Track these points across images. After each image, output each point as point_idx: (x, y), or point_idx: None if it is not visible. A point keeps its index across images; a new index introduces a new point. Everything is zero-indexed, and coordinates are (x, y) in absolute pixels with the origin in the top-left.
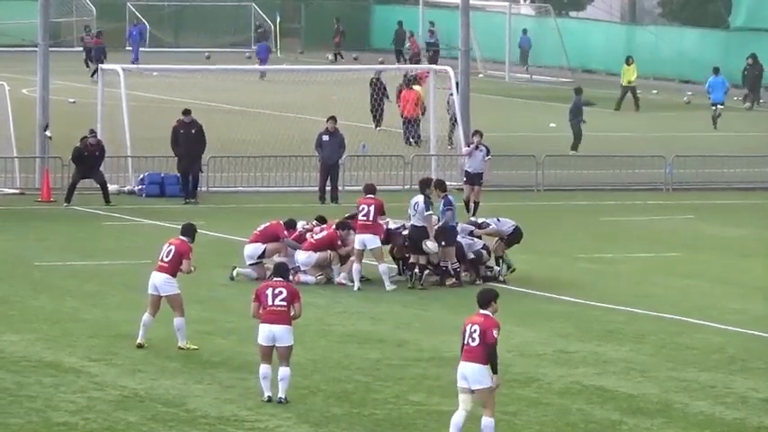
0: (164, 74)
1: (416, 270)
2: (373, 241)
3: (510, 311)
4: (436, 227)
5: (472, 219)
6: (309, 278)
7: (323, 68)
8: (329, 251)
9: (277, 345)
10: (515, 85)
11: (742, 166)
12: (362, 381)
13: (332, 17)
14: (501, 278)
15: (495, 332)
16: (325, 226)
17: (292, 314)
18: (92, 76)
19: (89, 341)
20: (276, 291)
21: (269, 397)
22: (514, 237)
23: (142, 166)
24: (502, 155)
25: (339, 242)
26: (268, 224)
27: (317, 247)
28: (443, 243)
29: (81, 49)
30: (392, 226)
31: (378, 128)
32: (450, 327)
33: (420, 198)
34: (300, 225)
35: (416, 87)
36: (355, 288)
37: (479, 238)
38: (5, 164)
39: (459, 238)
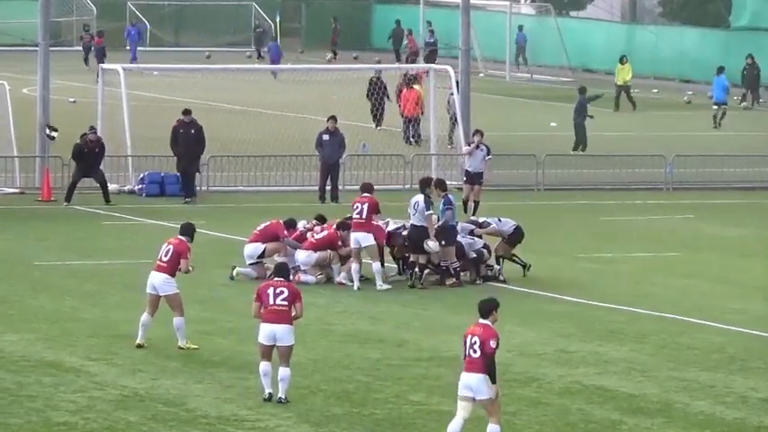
0: (164, 73)
1: (416, 269)
2: (367, 239)
3: (510, 311)
4: (436, 226)
5: (472, 218)
6: (310, 278)
7: (323, 68)
8: (329, 251)
9: (278, 344)
10: (516, 85)
11: (742, 165)
12: (363, 380)
13: (333, 17)
14: (501, 278)
15: (492, 343)
16: (325, 226)
17: (294, 314)
18: (86, 65)
19: (89, 341)
20: (278, 290)
21: (269, 394)
22: (516, 237)
23: (142, 166)
24: (502, 154)
25: (339, 242)
26: (268, 224)
27: (317, 246)
28: (443, 242)
29: (81, 48)
30: (392, 226)
31: (378, 127)
32: (450, 326)
33: (420, 197)
34: (301, 225)
35: (416, 87)
36: (355, 288)
37: (480, 237)
38: (6, 163)
39: (459, 237)
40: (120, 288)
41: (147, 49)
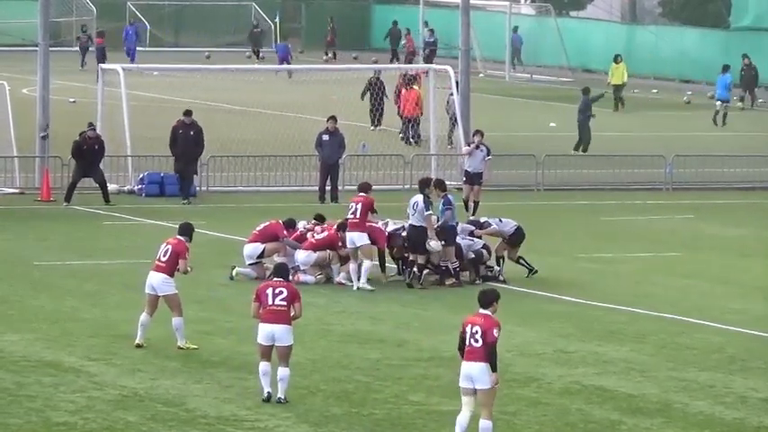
0: (164, 73)
1: (415, 269)
2: (361, 238)
3: (510, 311)
4: (436, 226)
5: (472, 218)
6: (309, 278)
7: (323, 68)
8: (328, 251)
9: (276, 344)
10: (515, 85)
11: (742, 165)
12: (362, 381)
13: (333, 17)
14: (501, 278)
15: (495, 331)
16: (326, 226)
17: (292, 314)
18: (82, 67)
19: (88, 341)
20: (277, 290)
21: (268, 393)
22: (516, 237)
23: (142, 166)
24: (502, 154)
25: (340, 243)
26: (267, 224)
27: (317, 247)
28: (443, 243)
29: (78, 49)
30: (392, 227)
31: (377, 127)
32: (449, 326)
33: (419, 198)
34: (301, 225)
35: (415, 87)
36: (354, 288)
37: (480, 238)
38: (5, 163)
39: (458, 238)
40: (120, 288)
41: (147, 49)
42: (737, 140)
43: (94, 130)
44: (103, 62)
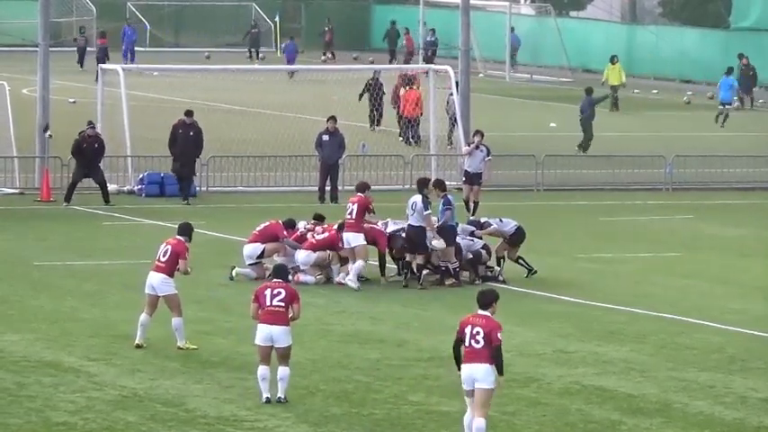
0: (164, 73)
1: (414, 269)
2: (356, 239)
3: (510, 311)
4: (436, 226)
5: (472, 218)
6: (309, 278)
7: (323, 68)
8: (328, 251)
9: (275, 345)
10: (515, 85)
11: (742, 166)
12: (362, 381)
13: (332, 17)
14: (501, 278)
15: (499, 334)
16: (326, 227)
17: (291, 315)
18: (80, 65)
19: (88, 341)
20: (275, 291)
21: (267, 398)
22: (517, 237)
23: (142, 166)
24: (502, 155)
25: (340, 244)
26: (267, 224)
27: (317, 247)
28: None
29: (75, 50)
30: (392, 227)
31: (376, 127)
32: (449, 327)
33: (418, 198)
34: (302, 225)
35: (415, 87)
36: (354, 288)
37: (480, 238)
38: (5, 164)
39: (458, 239)
40: (120, 288)
41: (147, 49)
42: (737, 141)
43: (94, 128)
44: (105, 62)
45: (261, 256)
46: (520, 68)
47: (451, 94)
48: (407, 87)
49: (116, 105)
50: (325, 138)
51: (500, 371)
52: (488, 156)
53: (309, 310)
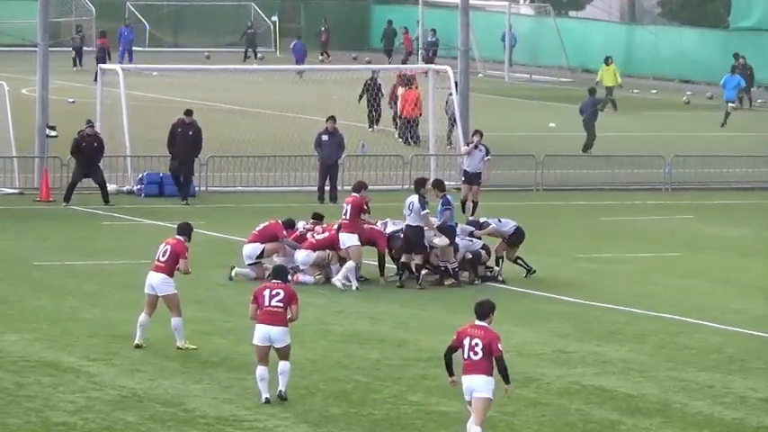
0: (163, 74)
1: (411, 269)
2: (350, 239)
3: (509, 311)
4: (435, 226)
5: (471, 218)
6: (308, 278)
7: (322, 68)
8: (328, 251)
9: (275, 346)
10: (515, 85)
11: (741, 166)
12: (361, 381)
13: (332, 17)
14: (500, 278)
15: (499, 345)
16: (326, 226)
17: (289, 316)
18: (74, 66)
19: (88, 341)
20: (274, 292)
21: (267, 398)
22: (516, 237)
23: (141, 166)
24: (501, 155)
25: (339, 244)
26: (267, 224)
27: (317, 247)
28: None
29: (71, 49)
30: (392, 227)
31: (374, 127)
32: (449, 327)
33: (415, 198)
34: (301, 225)
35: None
36: (354, 287)
37: (479, 238)
38: (5, 164)
39: (457, 239)
40: (120, 288)
41: (147, 49)
42: (737, 141)
43: (93, 127)
44: (105, 62)
45: (260, 256)
46: (519, 68)
47: (451, 94)
48: (407, 87)
49: (115, 105)
50: (325, 138)
51: (506, 380)
52: (488, 155)
53: (309, 310)
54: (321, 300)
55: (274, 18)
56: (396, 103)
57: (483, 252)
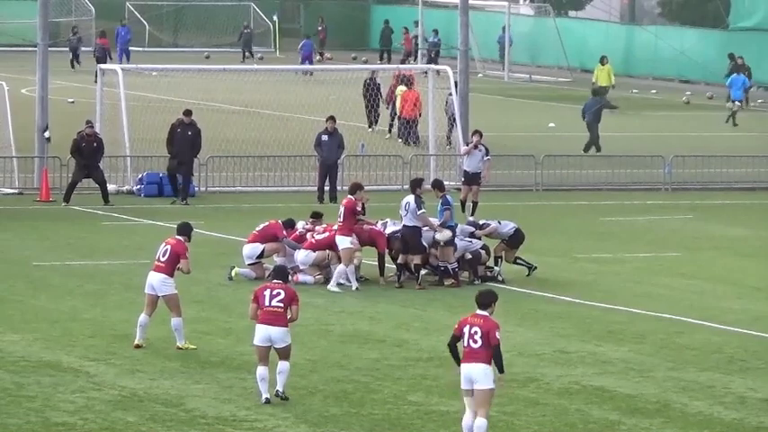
0: (163, 73)
1: (410, 269)
2: (342, 242)
3: (509, 311)
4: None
5: (470, 219)
6: (308, 278)
7: (322, 68)
8: (328, 251)
9: (275, 346)
10: (514, 85)
11: (741, 165)
12: (361, 381)
13: (331, 17)
14: (500, 278)
15: (497, 333)
16: (326, 226)
17: (289, 317)
18: (72, 67)
19: (88, 341)
20: (274, 292)
21: (267, 398)
22: (516, 239)
23: (141, 166)
24: (501, 155)
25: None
26: (267, 224)
27: (317, 247)
28: (442, 243)
29: (67, 48)
30: (392, 227)
31: (373, 128)
32: (448, 327)
33: (411, 198)
34: (301, 225)
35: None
36: (353, 288)
37: (479, 239)
38: (4, 164)
39: (456, 239)
40: (120, 288)
41: (146, 49)
42: (737, 141)
43: (92, 127)
44: (105, 62)
45: (260, 256)
46: (519, 68)
47: (450, 95)
48: (407, 87)
49: (115, 105)
50: (325, 138)
51: (500, 369)
52: (488, 155)
53: (308, 310)
54: (321, 300)
55: (274, 18)
56: (393, 104)
57: (483, 252)
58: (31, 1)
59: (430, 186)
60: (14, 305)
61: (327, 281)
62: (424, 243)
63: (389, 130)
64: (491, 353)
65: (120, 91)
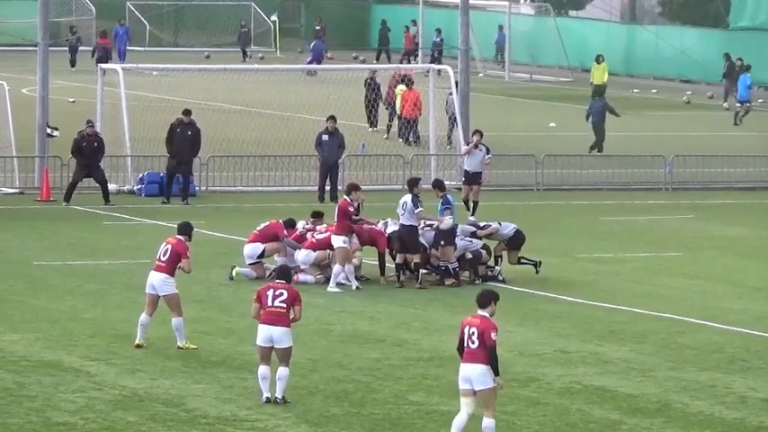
0: (163, 73)
1: (410, 268)
2: (335, 242)
3: (510, 311)
4: (435, 226)
5: (471, 218)
6: (309, 278)
7: (322, 68)
8: (328, 251)
9: (276, 347)
10: (515, 85)
11: (741, 165)
12: (362, 380)
13: (331, 16)
14: (500, 278)
15: (493, 335)
16: (326, 226)
17: (292, 317)
18: (72, 67)
19: (89, 341)
20: (277, 292)
21: (267, 398)
22: (516, 240)
23: (141, 166)
24: (501, 154)
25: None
26: (267, 224)
27: (317, 247)
28: (443, 243)
29: (66, 49)
30: (392, 227)
31: (374, 128)
32: (449, 326)
33: (408, 197)
34: (301, 225)
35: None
36: (354, 287)
37: (479, 239)
38: (5, 163)
39: (456, 239)
40: (120, 288)
41: (146, 49)
42: (737, 140)
43: (93, 126)
44: (106, 62)
45: (261, 255)
46: (520, 68)
47: (451, 94)
48: (407, 87)
49: (116, 105)
50: (325, 137)
51: (495, 371)
52: (488, 155)
53: (309, 310)
54: (321, 299)
55: (274, 18)
56: (392, 104)
57: (483, 252)
58: (31, 0)
59: (430, 186)
60: (15, 305)
61: (328, 280)
62: (424, 243)
63: (388, 131)
64: (488, 355)
65: (121, 90)
